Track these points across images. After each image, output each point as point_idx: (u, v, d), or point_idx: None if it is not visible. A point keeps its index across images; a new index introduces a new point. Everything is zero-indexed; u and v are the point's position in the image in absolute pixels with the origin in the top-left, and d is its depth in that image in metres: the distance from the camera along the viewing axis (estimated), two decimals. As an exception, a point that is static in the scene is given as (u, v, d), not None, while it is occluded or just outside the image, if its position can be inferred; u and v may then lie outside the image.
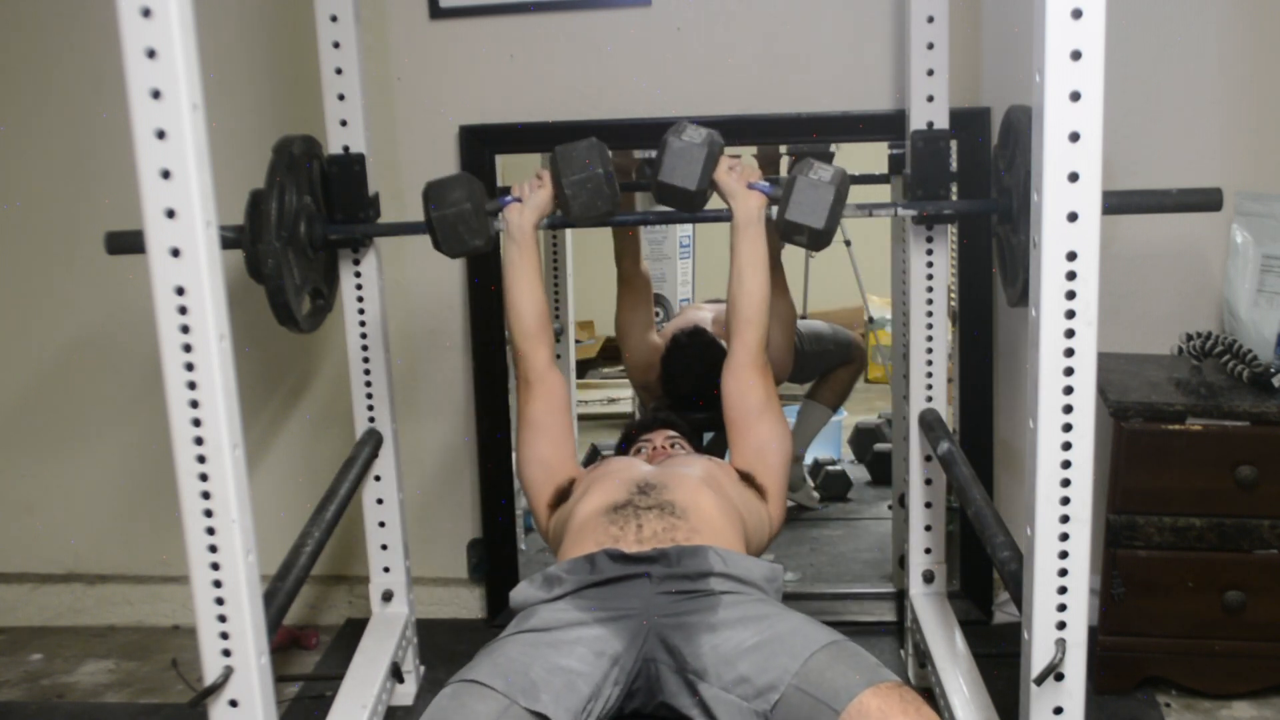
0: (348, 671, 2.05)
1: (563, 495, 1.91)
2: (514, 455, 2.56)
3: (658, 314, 3.42)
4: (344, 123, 2.03)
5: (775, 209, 1.83)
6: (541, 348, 1.91)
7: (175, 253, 1.26)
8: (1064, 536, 1.37)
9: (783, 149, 2.97)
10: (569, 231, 3.07)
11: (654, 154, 1.87)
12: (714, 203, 1.91)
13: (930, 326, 2.14)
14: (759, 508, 1.88)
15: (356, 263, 2.10)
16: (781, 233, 1.82)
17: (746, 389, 1.89)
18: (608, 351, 4.44)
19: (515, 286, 1.89)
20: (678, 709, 1.54)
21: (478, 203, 1.84)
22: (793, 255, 3.90)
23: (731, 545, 1.73)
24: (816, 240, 1.80)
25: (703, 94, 2.32)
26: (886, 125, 2.26)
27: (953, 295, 2.39)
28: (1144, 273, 2.30)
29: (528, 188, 1.89)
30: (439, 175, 1.89)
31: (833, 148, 2.87)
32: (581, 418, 3.39)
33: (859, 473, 3.55)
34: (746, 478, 1.91)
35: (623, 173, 2.73)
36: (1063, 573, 1.38)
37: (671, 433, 2.16)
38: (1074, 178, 1.27)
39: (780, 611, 1.59)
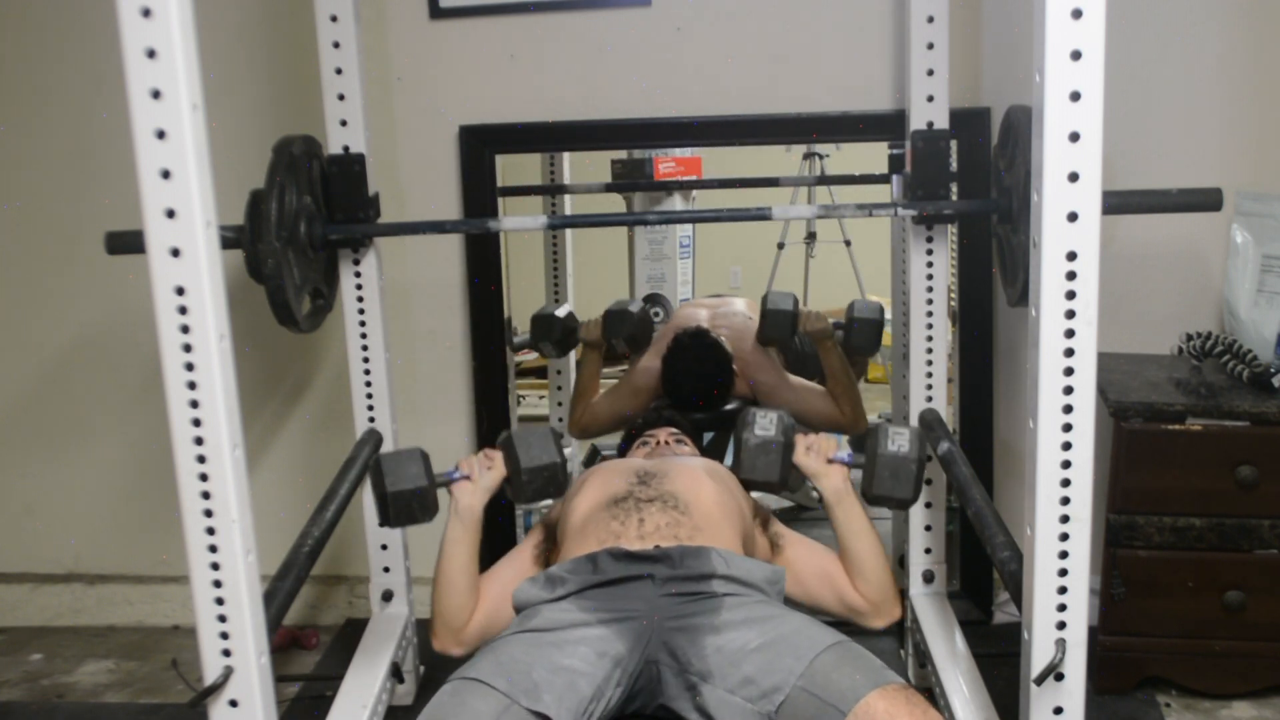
0: (348, 671, 2.05)
1: (549, 539, 1.89)
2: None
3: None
4: (344, 123, 2.03)
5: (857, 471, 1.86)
6: (464, 614, 1.77)
7: (175, 253, 1.26)
8: (1064, 536, 1.37)
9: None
10: (570, 232, 3.07)
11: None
12: (709, 204, 1.89)
13: (930, 326, 2.14)
14: (757, 531, 1.89)
15: (356, 263, 2.10)
16: (869, 503, 1.85)
17: (844, 611, 1.83)
18: (607, 351, 4.43)
19: (453, 564, 1.77)
20: (677, 711, 1.54)
21: (432, 480, 1.80)
22: (793, 256, 3.92)
23: (730, 542, 1.73)
24: (904, 505, 1.86)
25: (703, 94, 2.32)
26: (886, 125, 2.26)
27: (953, 295, 2.39)
28: (1144, 273, 2.30)
29: (478, 466, 1.82)
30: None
31: (828, 149, 2.87)
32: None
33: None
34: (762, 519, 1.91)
35: (594, 345, 2.85)
36: (1063, 573, 1.37)
37: (675, 430, 2.18)
38: (1074, 178, 1.27)
39: (783, 613, 1.59)
